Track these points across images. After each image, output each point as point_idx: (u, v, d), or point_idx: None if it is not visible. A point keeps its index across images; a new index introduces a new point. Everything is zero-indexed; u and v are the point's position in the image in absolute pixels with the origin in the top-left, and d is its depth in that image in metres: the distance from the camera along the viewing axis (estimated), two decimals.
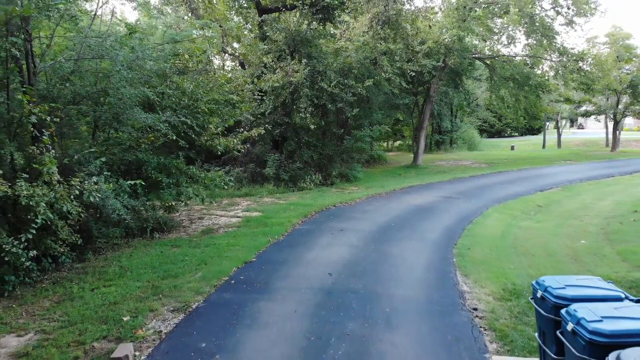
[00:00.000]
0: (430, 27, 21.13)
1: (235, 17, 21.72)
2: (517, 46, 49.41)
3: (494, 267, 7.68)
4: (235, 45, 20.94)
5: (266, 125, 14.50)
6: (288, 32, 16.74)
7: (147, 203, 9.73)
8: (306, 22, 16.96)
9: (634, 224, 11.21)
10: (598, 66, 24.97)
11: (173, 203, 10.42)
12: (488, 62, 25.66)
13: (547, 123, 50.15)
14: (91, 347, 4.88)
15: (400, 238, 9.50)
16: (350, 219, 11.46)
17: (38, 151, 6.72)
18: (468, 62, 25.82)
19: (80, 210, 7.01)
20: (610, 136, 35.09)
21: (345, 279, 6.96)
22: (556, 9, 22.31)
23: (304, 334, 5.17)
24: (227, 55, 21.89)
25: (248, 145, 15.50)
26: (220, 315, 5.70)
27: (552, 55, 24.09)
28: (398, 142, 39.81)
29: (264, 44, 16.64)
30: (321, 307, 5.89)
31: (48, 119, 6.85)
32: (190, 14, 19.53)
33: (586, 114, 37.80)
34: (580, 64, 23.57)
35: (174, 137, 9.29)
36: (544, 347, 3.81)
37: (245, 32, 20.56)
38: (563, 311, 3.34)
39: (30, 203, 6.09)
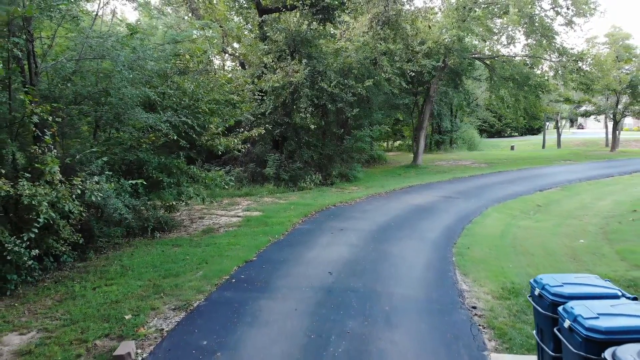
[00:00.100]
0: (430, 27, 21.17)
1: (235, 17, 21.76)
2: (517, 46, 49.27)
3: (493, 266, 7.71)
4: (236, 45, 20.97)
5: (266, 125, 14.56)
6: (288, 33, 16.77)
7: (148, 202, 9.79)
8: (306, 22, 16.99)
9: (633, 223, 11.25)
10: (597, 66, 24.99)
11: (174, 203, 10.46)
12: (488, 62, 25.68)
13: (547, 123, 50.12)
14: (93, 345, 4.92)
15: (400, 237, 9.53)
16: (350, 218, 11.50)
17: (40, 151, 6.77)
18: (468, 62, 25.83)
19: (81, 209, 7.06)
20: (610, 136, 35.12)
21: (345, 278, 7.00)
22: (556, 9, 22.34)
23: (305, 331, 5.21)
24: (227, 55, 21.93)
25: (248, 145, 15.53)
26: (221, 313, 5.74)
27: (551, 56, 24.10)
28: (398, 142, 39.80)
29: (264, 44, 16.67)
30: (321, 306, 5.93)
31: (50, 118, 6.89)
32: (190, 15, 19.56)
33: (586, 114, 37.83)
34: (580, 64, 23.58)
35: (175, 137, 9.34)
36: (542, 345, 3.85)
37: (246, 33, 20.60)
38: (560, 308, 3.36)
39: (32, 202, 6.14)
